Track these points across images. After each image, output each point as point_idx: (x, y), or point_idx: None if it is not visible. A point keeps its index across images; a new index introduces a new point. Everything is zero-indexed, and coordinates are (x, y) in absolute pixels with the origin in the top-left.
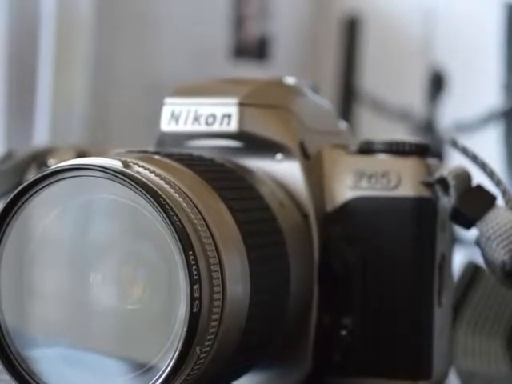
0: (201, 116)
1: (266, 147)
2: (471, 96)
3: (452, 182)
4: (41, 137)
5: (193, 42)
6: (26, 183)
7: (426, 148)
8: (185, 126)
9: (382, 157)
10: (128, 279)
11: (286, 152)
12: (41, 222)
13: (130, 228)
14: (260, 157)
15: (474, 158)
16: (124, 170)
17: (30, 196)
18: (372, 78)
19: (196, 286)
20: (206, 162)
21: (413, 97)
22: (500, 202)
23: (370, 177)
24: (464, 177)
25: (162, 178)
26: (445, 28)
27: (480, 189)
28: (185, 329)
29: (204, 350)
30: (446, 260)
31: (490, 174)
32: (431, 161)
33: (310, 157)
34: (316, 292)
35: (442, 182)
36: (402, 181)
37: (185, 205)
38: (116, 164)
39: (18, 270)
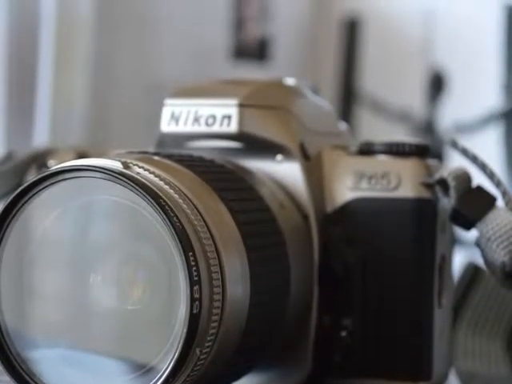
0: (201, 117)
1: (266, 148)
2: (471, 97)
3: (452, 183)
4: (41, 137)
5: (193, 43)
6: (25, 184)
7: (425, 149)
8: (185, 127)
9: (382, 158)
10: (128, 280)
11: (286, 153)
12: (41, 223)
13: (130, 229)
14: (260, 158)
15: (474, 159)
16: (124, 171)
17: (30, 197)
18: (372, 79)
19: (196, 287)
20: (206, 162)
21: (413, 98)
22: (500, 202)
23: (370, 178)
24: (464, 178)
25: (161, 179)
26: (445, 29)
27: (480, 190)
28: (185, 330)
29: (204, 351)
30: (446, 261)
31: (490, 175)
32: (431, 162)
33: (310, 158)
34: (316, 293)
35: (442, 182)
36: (402, 182)
37: (185, 206)
38: (116, 165)
39: (18, 271)
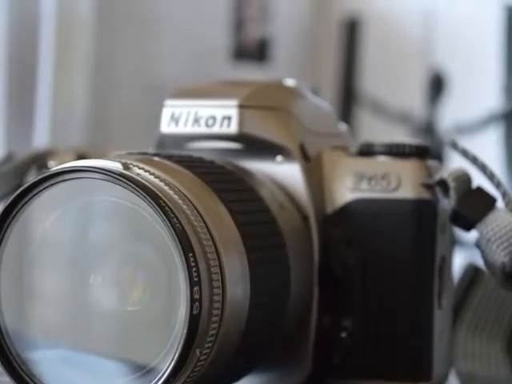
0: (201, 118)
1: (266, 149)
2: (471, 98)
3: (452, 184)
4: (41, 138)
5: (193, 44)
6: (26, 185)
7: (426, 150)
8: (185, 128)
9: (382, 159)
10: (128, 281)
11: (286, 154)
12: (41, 224)
13: (129, 230)
14: (260, 159)
15: (474, 160)
16: (124, 172)
17: (30, 198)
18: (372, 80)
19: (196, 288)
20: (205, 163)
21: (413, 99)
22: (500, 204)
23: (369, 179)
24: (464, 179)
25: (161, 180)
26: (445, 30)
27: (480, 191)
28: (185, 331)
29: (204, 351)
30: (446, 262)
31: (490, 176)
32: (431, 163)
33: (310, 159)
34: (316, 294)
35: (442, 184)
36: (402, 183)
37: (185, 207)
38: (116, 166)
39: (18, 271)
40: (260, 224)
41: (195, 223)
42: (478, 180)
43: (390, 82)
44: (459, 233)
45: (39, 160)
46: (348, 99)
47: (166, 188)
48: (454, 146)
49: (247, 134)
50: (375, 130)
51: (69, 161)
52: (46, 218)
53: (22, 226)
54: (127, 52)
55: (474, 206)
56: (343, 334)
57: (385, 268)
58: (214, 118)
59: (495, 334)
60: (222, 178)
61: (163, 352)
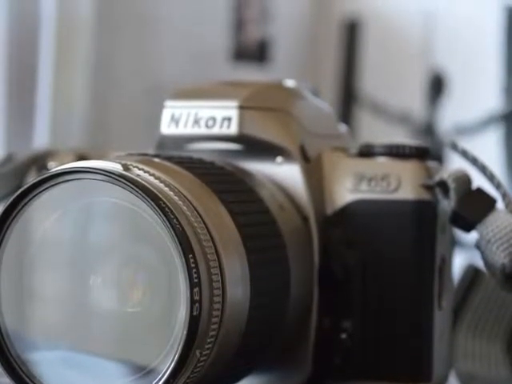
0: (201, 119)
1: (266, 150)
2: (471, 99)
3: (452, 185)
4: (41, 139)
5: (193, 45)
6: (26, 186)
7: (425, 151)
8: (185, 129)
9: (382, 160)
10: (128, 282)
11: (286, 155)
12: (41, 224)
13: (130, 231)
14: (260, 160)
15: (474, 161)
16: (124, 173)
17: (30, 199)
18: (372, 81)
19: (196, 289)
20: (205, 164)
21: (413, 100)
22: (500, 205)
23: (369, 180)
24: (464, 180)
25: (161, 181)
26: (445, 31)
27: (480, 192)
28: (185, 332)
29: (204, 353)
30: (446, 263)
31: (490, 177)
32: (431, 164)
33: (310, 160)
34: (316, 295)
35: (442, 184)
36: (402, 184)
37: (185, 208)
38: (116, 167)
39: (18, 272)
40: (260, 225)
41: (195, 224)
42: (478, 181)
43: (390, 83)
44: (459, 234)
45: (39, 161)
46: (348, 100)
47: (166, 189)
48: (454, 146)
49: (247, 135)
50: (375, 130)
51: (69, 162)
52: (46, 218)
53: (22, 226)
54: (127, 53)
55: (473, 207)
56: (343, 335)
57: (385, 269)
58: (214, 119)
59: (495, 334)
60: (222, 179)
61: (163, 353)
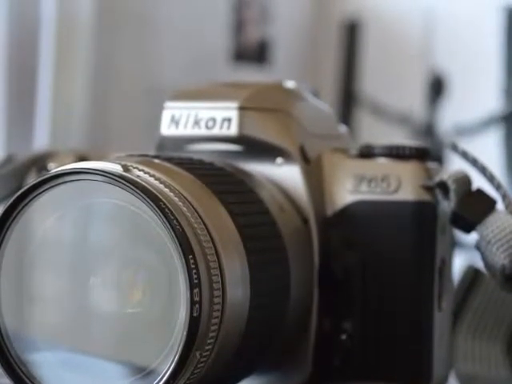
0: (201, 120)
1: (266, 151)
2: (471, 100)
3: (452, 186)
4: (41, 140)
5: (193, 46)
6: (26, 187)
7: (425, 152)
8: (185, 130)
9: (382, 161)
10: (128, 283)
11: (286, 156)
12: (41, 225)
13: (130, 232)
14: (260, 161)
15: (474, 162)
16: (124, 174)
17: (30, 200)
18: (372, 82)
19: (196, 290)
20: (205, 165)
21: (413, 100)
22: (500, 205)
23: (369, 181)
24: (464, 181)
25: (161, 182)
26: (445, 32)
27: (480, 193)
28: (185, 333)
29: (204, 353)
30: (446, 264)
31: (490, 178)
32: (431, 165)
33: (310, 161)
34: (316, 296)
35: (442, 185)
36: (402, 185)
37: (185, 209)
38: (116, 168)
39: (18, 273)
40: (260, 226)
41: (195, 225)
42: (478, 182)
43: (390, 84)
44: (459, 235)
45: (39, 162)
46: (348, 101)
47: (166, 190)
48: (454, 147)
49: (247, 136)
50: (375, 131)
51: (69, 163)
52: (46, 219)
53: (22, 227)
54: (127, 54)
55: (474, 207)
56: (343, 337)
57: (385, 270)
58: (214, 120)
59: (495, 335)
60: (221, 180)
61: (163, 354)
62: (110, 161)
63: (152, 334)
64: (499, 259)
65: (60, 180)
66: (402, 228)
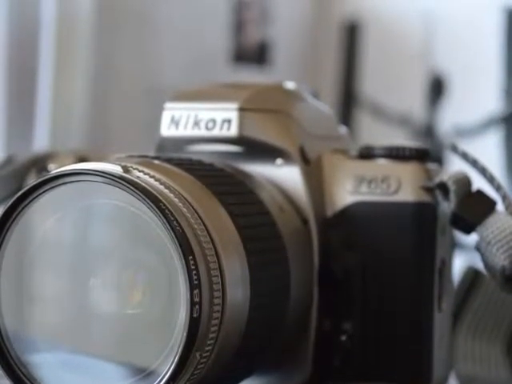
0: (201, 121)
1: (265, 152)
2: (471, 101)
3: (452, 187)
4: (41, 141)
5: (193, 47)
6: (26, 188)
7: (426, 153)
8: (185, 131)
9: (382, 162)
10: (128, 284)
11: (286, 157)
12: (41, 226)
13: (129, 233)
14: (260, 162)
15: (474, 163)
16: (124, 175)
17: (30, 201)
18: (372, 83)
19: (196, 291)
20: (205, 166)
21: (413, 102)
22: (500, 207)
23: (369, 182)
24: (464, 182)
25: (161, 183)
26: (445, 33)
27: (480, 194)
28: (185, 334)
29: (204, 354)
30: (446, 265)
31: (490, 179)
32: (431, 166)
33: (310, 162)
34: (316, 297)
35: (442, 186)
36: (402, 186)
37: (185, 210)
38: (116, 169)
39: (18, 274)
40: (260, 227)
41: (195, 226)
42: (478, 183)
43: (390, 85)
44: (459, 236)
45: (39, 163)
46: (348, 102)
47: (166, 191)
48: (454, 148)
49: (247, 137)
50: (375, 132)
51: (69, 164)
52: (46, 220)
53: (22, 228)
54: (127, 54)
55: (474, 208)
56: (343, 337)
57: (385, 271)
58: (213, 121)
59: (495, 336)
60: (221, 181)
61: (163, 355)
62: (109, 162)
63: (152, 335)
64: (499, 260)
65: (60, 181)
66: (402, 229)
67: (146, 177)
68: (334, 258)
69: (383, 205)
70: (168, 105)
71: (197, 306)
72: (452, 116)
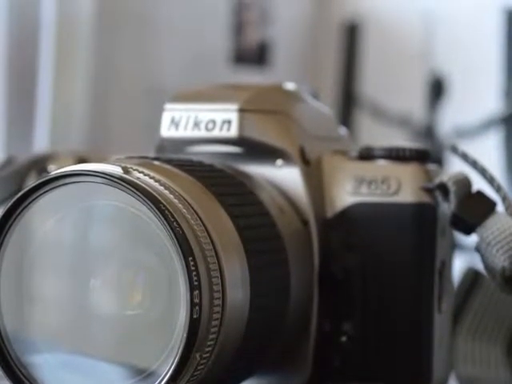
0: (201, 122)
1: (266, 153)
2: (471, 102)
3: (452, 188)
4: (41, 142)
5: (193, 47)
6: (26, 189)
7: (425, 154)
8: (185, 132)
9: (382, 163)
10: (128, 285)
11: (286, 158)
12: (41, 227)
13: (129, 234)
14: (260, 162)
15: (474, 164)
16: (124, 175)
17: (30, 202)
18: (372, 84)
19: (196, 292)
20: (205, 167)
21: (413, 102)
22: (500, 207)
23: (369, 183)
24: (464, 183)
25: (161, 184)
26: (445, 33)
27: (480, 195)
28: (185, 335)
29: (204, 355)
30: (446, 266)
31: (490, 180)
32: (431, 166)
33: (310, 163)
34: (316, 298)
35: (442, 187)
36: (402, 186)
37: (185, 211)
38: (116, 170)
39: (18, 275)
40: (260, 228)
41: (195, 227)
42: (478, 184)
43: (390, 86)
44: (459, 237)
45: (39, 164)
46: (348, 103)
47: (166, 192)
48: (454, 149)
49: (247, 138)
50: (375, 133)
51: (69, 165)
52: (46, 221)
53: (22, 229)
54: (127, 55)
55: (474, 209)
56: (343, 338)
57: (385, 272)
58: (213, 122)
59: (495, 337)
60: (221, 182)
61: (163, 356)
62: (109, 163)
63: (152, 336)
64: (499, 261)
65: (60, 182)
66: (402, 230)
67: (146, 178)
68: (334, 259)
69: (383, 206)
70: (168, 106)
71: (197, 307)
72: (452, 117)
